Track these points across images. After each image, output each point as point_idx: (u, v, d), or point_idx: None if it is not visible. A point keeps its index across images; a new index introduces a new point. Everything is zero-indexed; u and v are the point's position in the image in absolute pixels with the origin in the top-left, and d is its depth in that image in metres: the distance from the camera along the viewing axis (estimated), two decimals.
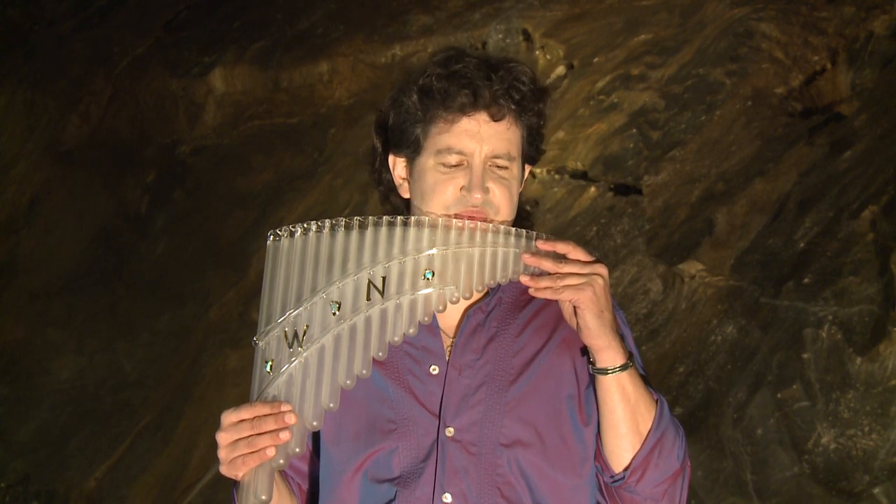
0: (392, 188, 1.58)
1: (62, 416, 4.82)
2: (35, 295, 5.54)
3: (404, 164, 1.54)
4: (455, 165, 1.47)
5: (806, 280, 3.11)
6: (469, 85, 1.45)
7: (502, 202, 1.48)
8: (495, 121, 1.47)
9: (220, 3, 6.24)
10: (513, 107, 1.48)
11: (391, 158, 1.56)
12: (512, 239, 1.43)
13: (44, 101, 6.40)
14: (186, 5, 6.37)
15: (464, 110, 1.46)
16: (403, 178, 1.55)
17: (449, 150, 1.46)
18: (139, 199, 5.64)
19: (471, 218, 1.44)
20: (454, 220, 1.43)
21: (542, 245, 1.43)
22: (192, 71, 5.78)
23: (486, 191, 1.46)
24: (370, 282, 1.39)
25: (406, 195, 1.56)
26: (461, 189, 1.46)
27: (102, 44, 6.37)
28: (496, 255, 1.43)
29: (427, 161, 1.48)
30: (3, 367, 5.24)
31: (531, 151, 1.56)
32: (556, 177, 4.18)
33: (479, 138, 1.46)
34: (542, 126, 1.56)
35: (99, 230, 5.65)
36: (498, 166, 1.48)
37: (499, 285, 1.52)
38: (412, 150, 1.51)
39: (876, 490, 2.64)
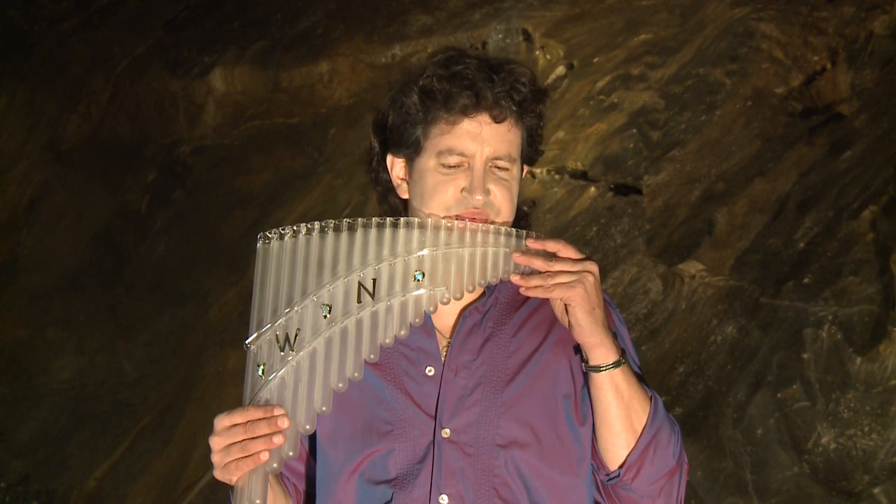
0: (390, 188, 1.58)
1: (62, 416, 4.81)
2: (35, 295, 5.52)
3: (403, 164, 1.54)
4: (456, 166, 1.46)
5: (806, 280, 3.10)
6: (471, 86, 1.45)
7: (503, 203, 1.48)
8: (497, 122, 1.47)
9: (220, 3, 6.23)
10: (514, 108, 1.48)
11: (390, 158, 1.56)
12: (502, 238, 1.43)
13: (44, 101, 6.39)
14: (186, 5, 6.36)
15: (465, 112, 1.46)
16: (402, 179, 1.55)
17: (450, 152, 1.46)
18: (139, 199, 5.63)
19: (472, 219, 1.44)
20: (444, 221, 1.43)
21: (533, 244, 1.43)
22: (192, 71, 5.77)
23: (487, 192, 1.46)
24: (361, 284, 1.38)
25: (405, 196, 1.55)
26: (462, 190, 1.46)
27: (102, 44, 6.36)
28: (486, 255, 1.43)
29: (427, 162, 1.48)
30: (3, 367, 5.24)
31: (530, 152, 1.57)
32: (556, 177, 4.17)
33: (480, 140, 1.46)
34: (541, 127, 1.57)
35: (99, 230, 5.64)
36: (498, 167, 1.48)
37: (495, 285, 1.52)
38: (412, 151, 1.50)
39: (876, 490, 2.64)
